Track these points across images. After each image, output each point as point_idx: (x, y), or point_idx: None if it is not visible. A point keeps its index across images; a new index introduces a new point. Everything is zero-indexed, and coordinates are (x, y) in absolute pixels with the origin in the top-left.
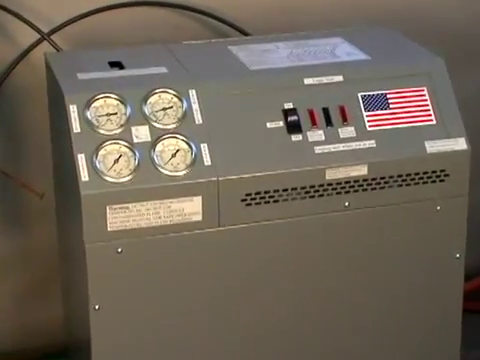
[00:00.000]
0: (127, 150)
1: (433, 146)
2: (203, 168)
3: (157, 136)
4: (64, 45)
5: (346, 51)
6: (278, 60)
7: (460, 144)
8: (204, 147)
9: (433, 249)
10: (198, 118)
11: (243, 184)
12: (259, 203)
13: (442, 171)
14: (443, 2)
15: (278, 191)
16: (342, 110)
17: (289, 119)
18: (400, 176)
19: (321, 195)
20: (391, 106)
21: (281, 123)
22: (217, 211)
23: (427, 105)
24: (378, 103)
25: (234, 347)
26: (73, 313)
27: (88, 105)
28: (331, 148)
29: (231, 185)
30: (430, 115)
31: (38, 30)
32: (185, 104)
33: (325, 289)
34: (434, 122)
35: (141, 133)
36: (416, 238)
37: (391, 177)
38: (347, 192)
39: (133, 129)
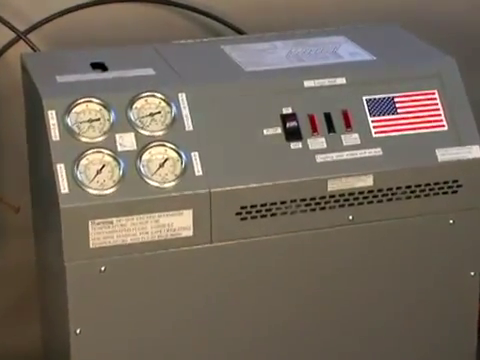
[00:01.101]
0: (111, 159)
1: (445, 154)
2: (194, 179)
3: (144, 144)
4: (42, 45)
5: (349, 51)
6: (276, 61)
7: (474, 152)
8: (195, 156)
9: (446, 267)
10: (188, 124)
11: (238, 196)
12: (255, 217)
13: (455, 182)
14: None
15: (276, 204)
16: (345, 115)
17: (288, 125)
18: (409, 187)
19: (323, 208)
20: (399, 111)
21: (279, 129)
22: (209, 226)
23: (438, 109)
24: (384, 107)
25: None
26: (52, 337)
27: (68, 110)
28: (334, 157)
29: (224, 197)
30: (441, 120)
31: (13, 28)
32: (174, 109)
33: (327, 311)
34: (446, 128)
35: (126, 141)
36: (427, 255)
37: (399, 188)
38: (351, 205)
39: (117, 136)
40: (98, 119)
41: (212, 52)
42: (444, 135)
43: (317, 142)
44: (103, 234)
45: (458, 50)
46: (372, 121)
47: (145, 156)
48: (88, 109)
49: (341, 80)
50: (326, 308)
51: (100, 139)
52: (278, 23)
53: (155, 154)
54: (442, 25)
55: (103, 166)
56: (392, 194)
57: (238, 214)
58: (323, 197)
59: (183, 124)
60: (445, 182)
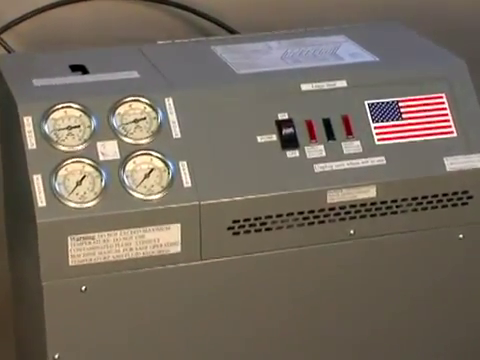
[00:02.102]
0: (92, 170)
1: (454, 163)
2: (182, 191)
3: (127, 153)
4: (17, 46)
5: (350, 51)
6: (270, 62)
7: None
8: (183, 166)
9: (455, 285)
10: (176, 131)
11: (229, 209)
12: (249, 231)
13: (465, 193)
14: None
15: (271, 217)
16: (346, 121)
17: (284, 132)
18: (415, 199)
19: (322, 222)
20: (403, 116)
21: (274, 137)
22: (199, 241)
23: (446, 115)
24: (388, 112)
25: None
26: None
27: (46, 117)
28: (333, 166)
29: (215, 210)
30: (450, 126)
31: None
32: (160, 115)
33: (327, 333)
34: (455, 135)
35: (108, 149)
36: (434, 273)
37: (404, 200)
38: (352, 218)
39: (99, 145)
40: (78, 126)
41: (201, 53)
42: (453, 142)
43: (315, 150)
44: (83, 251)
45: (468, 50)
46: (375, 127)
47: (129, 166)
48: (67, 115)
49: (341, 83)
50: (325, 330)
51: (80, 148)
52: (273, 22)
53: (140, 164)
54: (450, 23)
55: (83, 177)
56: (397, 206)
57: (230, 229)
58: (322, 210)
59: (170, 131)
60: (454, 193)
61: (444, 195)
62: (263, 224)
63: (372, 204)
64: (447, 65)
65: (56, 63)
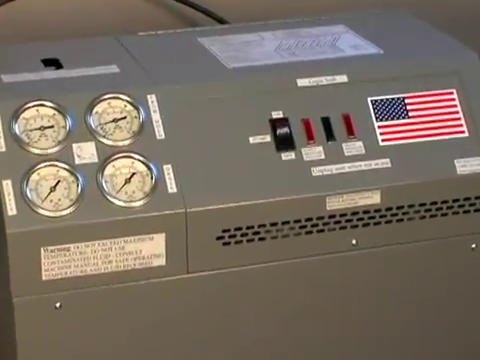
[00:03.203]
0: (67, 174)
1: (465, 166)
2: (166, 197)
3: (106, 156)
4: None
5: (351, 43)
6: (263, 55)
7: None
8: (167, 169)
9: (468, 299)
10: (159, 132)
11: (219, 217)
12: (240, 242)
13: (478, 198)
14: None
15: (265, 226)
16: (347, 120)
17: (278, 132)
18: (423, 205)
19: (320, 231)
20: (410, 114)
21: (268, 137)
22: (185, 253)
23: (457, 113)
24: (393, 110)
25: None
26: None
27: (16, 116)
28: (333, 169)
29: (203, 219)
30: (461, 125)
31: None
32: (142, 114)
33: (324, 354)
34: (466, 134)
35: (85, 152)
36: (444, 286)
37: (411, 207)
38: (354, 227)
39: (75, 147)
40: (51, 126)
41: (187, 45)
42: (464, 143)
43: (313, 152)
44: (58, 264)
45: None
46: (379, 127)
47: (108, 170)
48: (39, 114)
49: (341, 78)
50: (323, 350)
51: (54, 150)
52: (266, 10)
53: (120, 168)
54: (462, 12)
55: (58, 182)
56: (403, 213)
57: (219, 238)
58: (321, 218)
59: (153, 131)
60: (466, 199)
61: (455, 201)
62: (256, 233)
63: (376, 211)
64: (458, 58)
65: (27, 57)
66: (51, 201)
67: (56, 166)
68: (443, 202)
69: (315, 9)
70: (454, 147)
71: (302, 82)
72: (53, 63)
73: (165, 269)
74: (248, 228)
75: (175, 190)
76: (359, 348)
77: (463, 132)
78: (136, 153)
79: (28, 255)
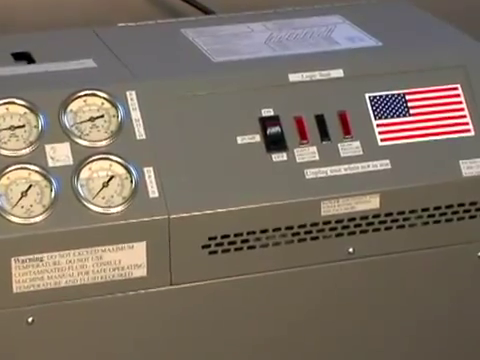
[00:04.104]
0: (40, 178)
1: (471, 167)
2: (148, 202)
3: (82, 158)
4: None
5: (347, 35)
6: (252, 48)
7: None
8: (149, 172)
9: (473, 312)
10: (140, 131)
11: (205, 224)
12: (227, 250)
13: None
14: None
15: (254, 233)
16: (343, 118)
17: (269, 131)
18: (425, 210)
19: (315, 238)
20: (411, 111)
21: (257, 137)
22: (168, 263)
23: (462, 110)
24: (393, 108)
25: None
26: None
27: None
28: (328, 172)
29: (188, 225)
30: (466, 124)
31: None
32: (121, 112)
33: None
34: (472, 133)
35: (59, 154)
36: (449, 298)
37: (413, 212)
38: (351, 233)
39: (48, 148)
40: (22, 126)
41: (170, 38)
42: (470, 142)
43: (307, 153)
44: (30, 275)
45: None
46: (377, 125)
47: (84, 173)
48: (9, 113)
49: (337, 72)
50: None
51: (25, 152)
52: (255, 0)
53: (97, 170)
54: (467, 2)
55: (30, 187)
56: (404, 219)
57: (205, 247)
58: (315, 224)
59: (133, 131)
60: (472, 203)
61: (460, 205)
62: (245, 241)
63: (375, 217)
64: (463, 50)
65: None
66: (22, 207)
67: (27, 169)
68: (447, 207)
69: None
70: (459, 147)
71: (294, 77)
72: (24, 57)
73: (146, 280)
74: (236, 235)
75: (157, 194)
76: None
77: (469, 131)
78: (114, 154)
79: None
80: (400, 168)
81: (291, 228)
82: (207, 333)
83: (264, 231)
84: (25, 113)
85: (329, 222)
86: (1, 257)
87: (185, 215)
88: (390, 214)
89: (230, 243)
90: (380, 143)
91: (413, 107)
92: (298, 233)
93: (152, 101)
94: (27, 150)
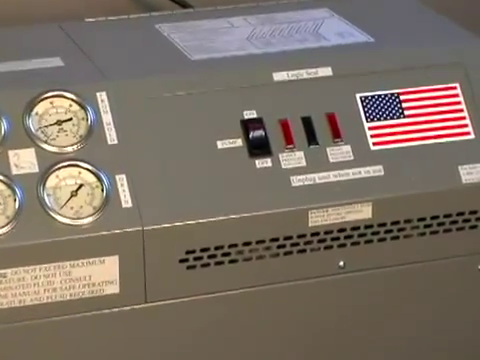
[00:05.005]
0: (3, 187)
1: (471, 173)
2: (120, 212)
3: (49, 164)
4: None
5: (337, 30)
6: (233, 45)
7: None
8: (121, 180)
9: (473, 327)
10: (111, 136)
11: (182, 236)
12: (207, 265)
13: None
14: None
15: (236, 246)
16: (332, 120)
17: (252, 135)
18: (422, 220)
19: (302, 251)
20: (406, 113)
21: (239, 141)
22: (143, 279)
23: (461, 111)
24: (387, 109)
25: None
26: None
27: None
28: (316, 178)
29: (163, 238)
30: (466, 126)
31: None
32: (91, 114)
33: None
34: (472, 136)
35: (24, 160)
36: (447, 313)
37: (408, 222)
38: (342, 245)
39: (11, 154)
40: None
41: (144, 34)
42: (470, 146)
43: (293, 158)
44: None
45: None
46: (369, 128)
47: (51, 181)
48: None
49: (325, 71)
50: None
51: None
52: None
53: (65, 178)
54: None
55: None
56: (398, 230)
57: (183, 261)
58: (302, 235)
59: (104, 135)
60: (472, 212)
61: (459, 214)
62: (226, 255)
63: (367, 227)
64: (462, 47)
65: None
66: None
67: None
68: (446, 216)
69: None
70: (458, 151)
71: (279, 76)
72: None
73: (119, 298)
74: (216, 248)
75: (130, 204)
76: None
77: (468, 133)
78: (84, 161)
79: None
80: (394, 174)
81: (276, 240)
82: (185, 354)
83: (247, 244)
84: None
85: (317, 233)
86: None
87: (161, 227)
88: (383, 224)
89: (210, 257)
90: (372, 147)
91: (408, 108)
92: (284, 245)
93: (124, 103)
94: None
